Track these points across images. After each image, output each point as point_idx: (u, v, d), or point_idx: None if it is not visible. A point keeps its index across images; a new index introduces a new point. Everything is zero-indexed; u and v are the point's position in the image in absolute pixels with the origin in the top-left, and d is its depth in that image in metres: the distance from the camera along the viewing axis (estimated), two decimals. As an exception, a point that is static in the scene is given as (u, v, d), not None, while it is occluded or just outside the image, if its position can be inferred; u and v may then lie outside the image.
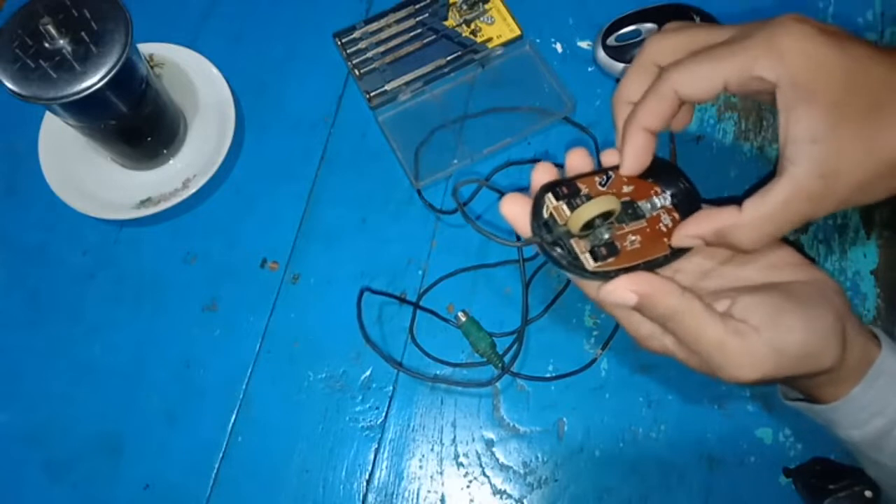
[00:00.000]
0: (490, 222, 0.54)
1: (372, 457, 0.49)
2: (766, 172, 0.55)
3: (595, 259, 0.32)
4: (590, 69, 0.59)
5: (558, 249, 0.33)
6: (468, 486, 0.49)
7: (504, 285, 0.53)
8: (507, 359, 0.50)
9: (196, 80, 0.58)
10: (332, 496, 0.48)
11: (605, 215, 0.32)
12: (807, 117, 0.29)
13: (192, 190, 0.54)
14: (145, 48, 0.58)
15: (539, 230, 0.33)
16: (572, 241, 0.33)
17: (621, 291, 0.32)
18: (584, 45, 0.60)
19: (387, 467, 0.49)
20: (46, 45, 0.45)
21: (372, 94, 0.57)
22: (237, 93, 0.58)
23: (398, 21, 0.60)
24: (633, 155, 0.34)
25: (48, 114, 0.56)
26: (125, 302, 0.53)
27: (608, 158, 0.35)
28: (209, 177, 0.54)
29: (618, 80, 0.36)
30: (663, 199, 0.35)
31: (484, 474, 0.49)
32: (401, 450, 0.49)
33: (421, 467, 0.49)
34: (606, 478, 0.48)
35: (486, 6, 0.60)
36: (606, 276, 0.33)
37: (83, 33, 0.45)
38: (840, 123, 0.29)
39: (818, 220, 0.37)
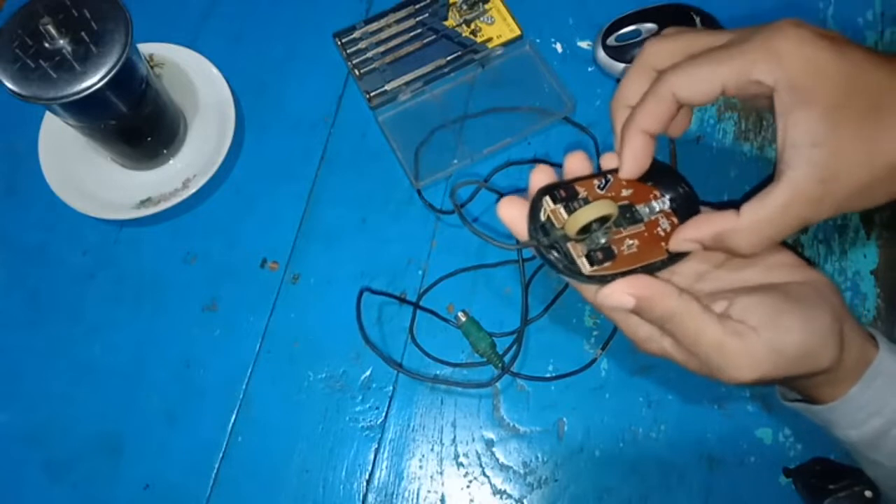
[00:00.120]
0: (489, 223, 0.54)
1: (372, 457, 0.49)
2: (766, 173, 0.55)
3: (591, 263, 0.32)
4: (590, 69, 0.59)
5: (555, 253, 0.33)
6: (468, 486, 0.49)
7: (504, 285, 0.53)
8: (506, 359, 0.50)
9: (196, 80, 0.58)
10: (332, 496, 0.48)
11: (603, 220, 0.32)
12: (805, 121, 0.29)
13: (192, 190, 0.54)
14: (145, 48, 0.58)
15: (536, 233, 0.33)
16: (569, 245, 0.33)
17: (619, 295, 0.32)
18: (584, 45, 0.60)
19: (387, 467, 0.49)
20: (46, 45, 0.45)
21: (372, 94, 0.57)
22: (237, 93, 0.58)
23: (398, 21, 0.60)
24: (631, 158, 0.34)
25: (48, 114, 0.56)
26: (125, 302, 0.53)
27: (607, 162, 0.35)
28: (209, 177, 0.54)
29: (618, 80, 0.36)
30: (662, 204, 0.35)
31: (484, 474, 0.49)
32: (401, 450, 0.49)
33: (421, 467, 0.49)
34: (606, 478, 0.48)
35: (486, 6, 0.60)
36: (603, 280, 0.33)
37: (83, 33, 0.45)
38: (838, 127, 0.29)
39: (816, 224, 0.37)
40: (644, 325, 0.34)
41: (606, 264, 0.32)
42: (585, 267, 0.32)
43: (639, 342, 0.35)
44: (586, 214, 0.32)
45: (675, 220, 0.35)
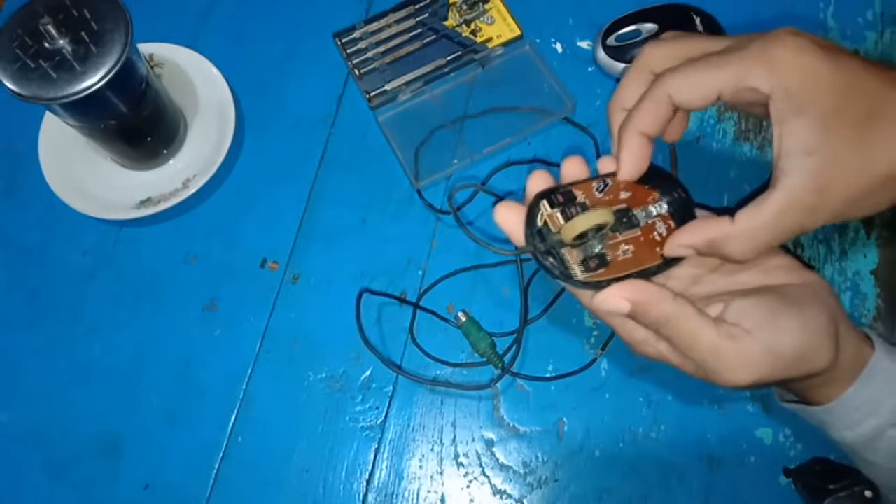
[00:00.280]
0: (488, 225, 0.54)
1: (372, 457, 0.49)
2: (766, 173, 0.55)
3: (585, 270, 0.32)
4: (590, 69, 0.59)
5: (551, 259, 0.33)
6: (468, 486, 0.49)
7: (504, 285, 0.53)
8: (506, 359, 0.50)
9: (196, 80, 0.58)
10: (332, 496, 0.48)
11: (599, 227, 0.32)
12: (800, 129, 0.29)
13: (192, 190, 0.54)
14: (145, 48, 0.58)
15: (532, 239, 0.33)
16: (564, 251, 0.33)
17: (614, 300, 0.32)
18: (584, 45, 0.60)
19: (387, 467, 0.49)
20: (46, 45, 0.45)
21: (372, 94, 0.57)
22: (237, 93, 0.58)
23: (398, 21, 0.60)
24: (629, 159, 0.34)
25: (48, 114, 0.56)
26: (125, 302, 0.53)
27: (605, 165, 0.35)
28: (209, 177, 0.54)
29: (618, 80, 0.36)
30: (660, 208, 0.35)
31: (484, 474, 0.49)
32: (401, 450, 0.49)
33: (421, 467, 0.49)
34: (606, 478, 0.48)
35: (486, 6, 0.60)
36: (598, 286, 0.33)
37: (83, 33, 0.45)
38: (833, 136, 0.29)
39: (810, 232, 0.37)
40: (640, 328, 0.34)
41: (600, 271, 0.33)
42: (578, 273, 0.33)
43: (635, 346, 0.35)
44: (583, 222, 0.32)
45: (671, 223, 0.35)
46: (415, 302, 0.52)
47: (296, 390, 0.51)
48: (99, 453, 0.50)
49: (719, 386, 0.32)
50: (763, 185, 0.31)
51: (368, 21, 0.60)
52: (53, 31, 0.45)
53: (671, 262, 0.34)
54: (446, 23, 0.60)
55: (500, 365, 0.49)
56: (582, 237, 0.32)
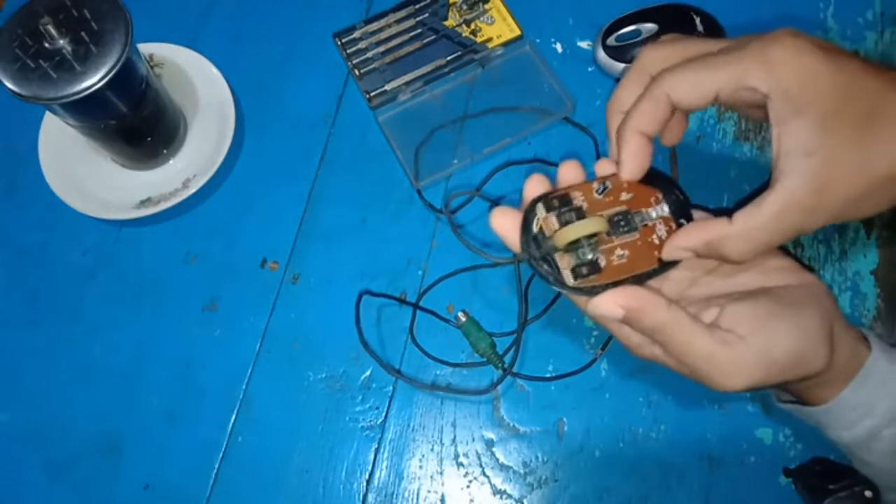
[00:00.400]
0: (486, 228, 0.54)
1: (372, 457, 0.49)
2: (766, 173, 0.55)
3: (575, 277, 0.32)
4: (590, 69, 0.59)
5: (545, 266, 0.33)
6: (468, 486, 0.49)
7: (504, 285, 0.53)
8: (506, 359, 0.50)
9: (196, 80, 0.58)
10: (332, 496, 0.48)
11: (592, 235, 0.32)
12: (800, 130, 0.29)
13: (192, 190, 0.54)
14: (145, 48, 0.58)
15: (528, 245, 0.33)
16: (557, 256, 0.33)
17: (607, 305, 0.32)
18: (584, 45, 0.60)
19: (387, 467, 0.49)
20: (46, 45, 0.45)
21: (372, 94, 0.57)
22: (237, 93, 0.58)
23: (398, 21, 0.60)
24: (630, 159, 0.34)
25: (48, 114, 0.56)
26: (125, 302, 0.53)
27: (603, 168, 0.35)
28: (209, 177, 0.54)
29: (618, 80, 0.36)
30: (661, 209, 0.35)
31: (484, 474, 0.49)
32: (401, 450, 0.49)
33: (421, 467, 0.49)
34: (606, 478, 0.48)
35: (486, 6, 0.60)
36: (593, 291, 0.33)
37: (83, 33, 0.45)
38: (832, 137, 0.29)
39: (809, 233, 0.37)
40: (636, 333, 0.34)
41: (592, 277, 0.33)
42: (570, 280, 0.33)
43: (631, 348, 0.35)
44: (574, 231, 0.32)
45: (672, 225, 0.35)
46: (415, 302, 0.52)
47: (296, 390, 0.51)
48: (99, 453, 0.50)
49: (714, 390, 0.32)
50: (762, 185, 0.31)
51: (368, 21, 0.60)
52: (53, 31, 0.45)
53: (666, 265, 0.34)
54: (446, 23, 0.60)
55: (500, 365, 0.49)
56: (575, 243, 0.32)
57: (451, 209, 0.54)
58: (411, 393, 0.50)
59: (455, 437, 0.49)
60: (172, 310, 0.53)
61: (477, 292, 0.53)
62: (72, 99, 0.44)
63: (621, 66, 0.56)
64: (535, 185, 0.34)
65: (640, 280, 0.34)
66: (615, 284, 0.33)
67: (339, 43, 0.59)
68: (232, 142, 0.55)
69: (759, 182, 0.53)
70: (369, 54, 0.59)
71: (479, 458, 0.49)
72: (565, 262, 0.33)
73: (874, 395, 0.36)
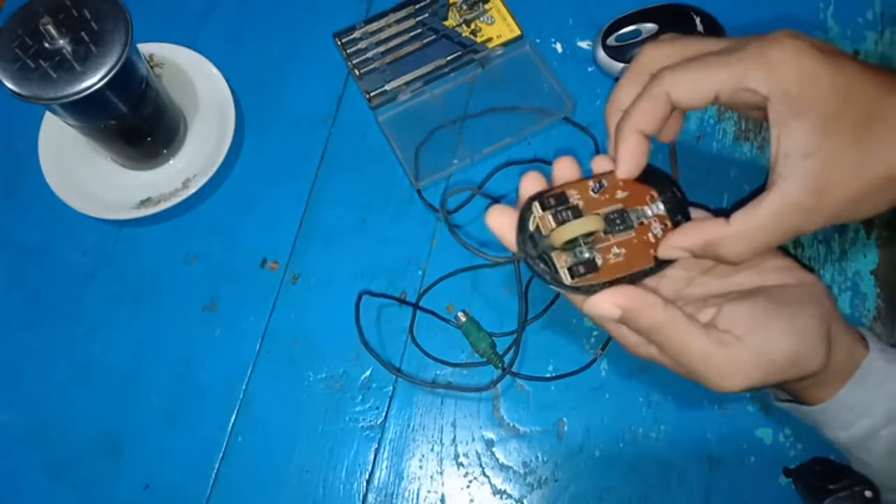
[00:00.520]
0: (486, 228, 0.54)
1: (372, 457, 0.49)
2: (765, 173, 0.55)
3: (572, 276, 0.32)
4: (590, 69, 0.59)
5: (542, 265, 0.33)
6: (468, 486, 0.49)
7: (504, 285, 0.53)
8: (506, 359, 0.50)
9: (196, 80, 0.58)
10: (332, 496, 0.48)
11: (588, 233, 0.32)
12: (798, 132, 0.29)
13: (192, 190, 0.54)
14: (145, 48, 0.58)
15: (524, 244, 0.33)
16: (553, 255, 0.33)
17: (604, 305, 0.32)
18: (584, 45, 0.60)
19: (387, 467, 0.49)
20: (46, 45, 0.45)
21: (372, 94, 0.57)
22: (237, 93, 0.58)
23: (398, 21, 0.60)
24: (627, 156, 0.34)
25: (48, 114, 0.56)
26: (125, 302, 0.53)
27: (600, 165, 0.35)
28: (209, 177, 0.54)
29: (617, 80, 0.36)
30: (656, 208, 0.35)
31: (484, 474, 0.49)
32: (401, 450, 0.49)
33: (421, 467, 0.49)
34: (606, 478, 0.48)
35: (486, 6, 0.60)
36: (590, 290, 0.33)
37: (83, 33, 0.45)
38: (831, 139, 0.29)
39: (807, 234, 0.37)
40: (633, 332, 0.34)
41: (589, 276, 0.32)
42: (567, 279, 0.32)
43: (628, 347, 0.35)
44: (571, 230, 0.32)
45: (668, 223, 0.35)
46: (415, 302, 0.52)
47: (296, 390, 0.51)
48: (99, 453, 0.50)
49: (711, 390, 0.32)
50: (760, 186, 0.31)
51: (368, 21, 0.60)
52: (53, 31, 0.45)
53: (663, 263, 0.34)
54: (446, 23, 0.60)
55: (500, 365, 0.49)
56: (572, 242, 0.32)
57: (450, 208, 0.54)
58: (411, 393, 0.50)
59: (455, 437, 0.49)
60: (172, 310, 0.53)
61: (477, 292, 0.53)
62: (72, 99, 0.44)
63: (621, 66, 0.56)
64: (531, 184, 0.34)
65: (636, 278, 0.34)
66: (612, 283, 0.33)
67: (339, 43, 0.59)
68: (232, 142, 0.55)
69: (759, 182, 0.53)
70: (369, 54, 0.59)
71: (479, 458, 0.49)
72: (562, 261, 0.33)
73: (872, 395, 0.36)
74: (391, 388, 0.51)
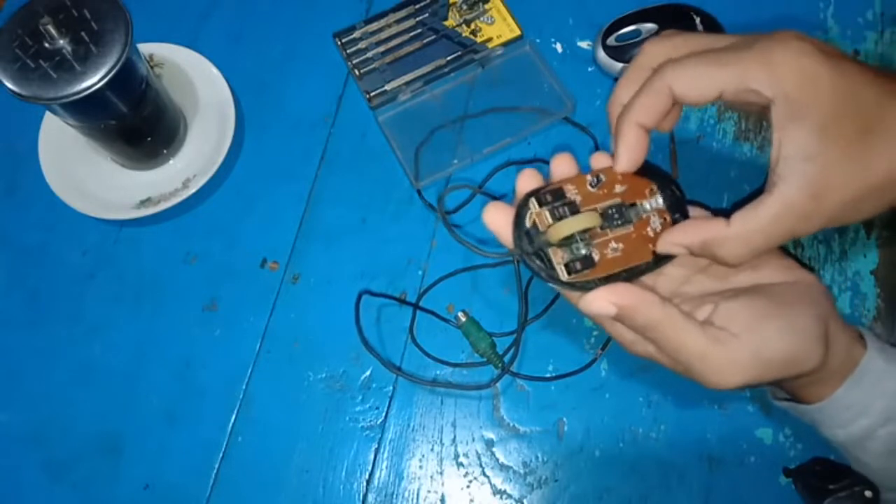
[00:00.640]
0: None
1: (372, 457, 0.49)
2: (765, 174, 0.55)
3: (569, 272, 0.32)
4: (590, 69, 0.59)
5: (538, 261, 0.33)
6: (468, 486, 0.49)
7: (504, 285, 0.53)
8: (506, 359, 0.50)
9: (196, 80, 0.58)
10: (332, 496, 0.48)
11: (585, 230, 0.32)
12: (799, 135, 0.29)
13: (192, 190, 0.54)
14: (145, 48, 0.58)
15: (520, 240, 0.33)
16: (550, 251, 0.33)
17: (600, 302, 0.32)
18: (584, 45, 0.60)
19: (387, 467, 0.49)
20: (46, 45, 0.45)
21: (372, 94, 0.57)
22: (237, 93, 0.58)
23: (398, 21, 0.60)
24: (626, 150, 0.33)
25: (48, 114, 0.56)
26: (125, 302, 0.53)
27: (598, 161, 0.35)
28: (209, 177, 0.54)
29: (617, 80, 0.36)
30: (656, 202, 0.35)
31: (484, 474, 0.49)
32: (401, 450, 0.49)
33: (421, 467, 0.49)
34: (606, 478, 0.48)
35: (486, 6, 0.60)
36: (586, 287, 0.32)
37: (83, 33, 0.45)
38: (831, 143, 0.29)
39: (806, 235, 0.37)
40: (629, 330, 0.34)
41: (585, 272, 0.32)
42: (563, 275, 0.32)
43: (625, 345, 0.35)
44: (568, 226, 0.32)
45: (667, 217, 0.35)
46: (415, 302, 0.52)
47: (296, 390, 0.51)
48: (99, 453, 0.50)
49: (708, 388, 0.32)
50: (760, 187, 0.31)
51: (368, 21, 0.60)
52: (53, 31, 0.45)
53: (661, 260, 0.34)
54: (446, 23, 0.60)
55: (500, 365, 0.49)
56: (568, 239, 0.32)
57: (450, 208, 0.54)
58: (411, 393, 0.50)
59: (455, 437, 0.49)
60: (172, 310, 0.53)
61: (477, 292, 0.53)
62: (72, 99, 0.44)
63: (621, 66, 0.56)
64: (528, 180, 0.34)
65: (633, 274, 0.34)
66: (609, 278, 0.33)
67: (339, 43, 0.59)
68: (232, 142, 0.55)
69: (759, 182, 0.53)
70: (369, 54, 0.59)
71: (479, 458, 0.49)
72: (558, 258, 0.33)
73: (869, 394, 0.36)
74: (391, 388, 0.51)
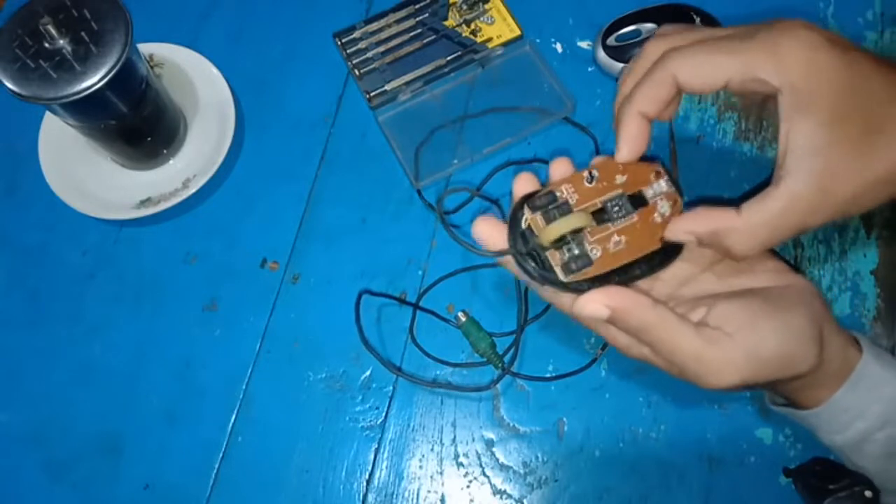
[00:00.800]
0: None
1: (372, 457, 0.49)
2: (766, 173, 0.55)
3: (567, 273, 0.32)
4: (590, 69, 0.59)
5: (530, 262, 0.32)
6: (468, 486, 0.49)
7: (504, 285, 0.53)
8: (506, 359, 0.50)
9: (196, 80, 0.58)
10: (332, 496, 0.48)
11: (577, 230, 0.32)
12: (807, 128, 0.29)
13: (192, 190, 0.54)
14: (145, 48, 0.58)
15: (514, 242, 0.33)
16: (548, 255, 0.32)
17: (593, 305, 0.32)
18: (584, 45, 0.60)
19: (387, 467, 0.49)
20: (46, 45, 0.45)
21: (372, 94, 0.57)
22: (237, 93, 0.58)
23: (398, 21, 0.60)
24: (627, 140, 0.33)
25: (48, 114, 0.56)
26: (125, 302, 0.53)
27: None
28: (209, 177, 0.54)
29: (618, 80, 0.36)
30: (661, 185, 0.34)
31: (484, 474, 0.49)
32: (401, 450, 0.49)
33: (421, 467, 0.49)
34: (606, 478, 0.48)
35: (486, 6, 0.60)
36: (580, 290, 0.32)
37: (83, 33, 0.45)
38: (838, 136, 0.29)
39: (813, 229, 0.37)
40: (623, 333, 0.34)
41: (586, 270, 0.32)
42: (562, 276, 0.32)
43: (621, 348, 0.35)
44: (557, 228, 0.31)
45: (677, 200, 0.34)
46: (415, 302, 0.52)
47: (296, 390, 0.51)
48: (99, 453, 0.50)
49: (702, 388, 0.32)
50: (768, 178, 0.31)
51: (368, 21, 0.60)
52: (53, 31, 0.45)
53: (664, 259, 0.34)
54: (446, 23, 0.60)
55: (500, 365, 0.49)
56: (561, 240, 0.32)
57: (450, 208, 0.54)
58: (411, 393, 0.50)
59: (455, 437, 0.49)
60: (172, 310, 0.53)
61: (477, 292, 0.53)
62: (72, 99, 0.44)
63: (621, 66, 0.56)
64: (524, 184, 0.34)
65: (633, 278, 0.33)
66: (607, 277, 0.33)
67: (339, 43, 0.59)
68: (232, 142, 0.55)
69: (759, 182, 0.53)
70: (369, 54, 0.59)
71: (479, 458, 0.49)
72: (556, 259, 0.32)
73: (866, 398, 0.36)
74: (391, 388, 0.51)
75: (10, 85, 0.44)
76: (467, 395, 0.50)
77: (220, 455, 0.49)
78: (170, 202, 0.54)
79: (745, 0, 0.58)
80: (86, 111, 0.48)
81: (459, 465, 0.49)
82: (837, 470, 0.44)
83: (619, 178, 0.34)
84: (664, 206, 0.34)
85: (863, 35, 0.59)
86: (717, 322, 0.32)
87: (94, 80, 0.45)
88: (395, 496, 0.48)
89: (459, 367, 0.51)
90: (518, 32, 0.59)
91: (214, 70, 0.58)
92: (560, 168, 0.34)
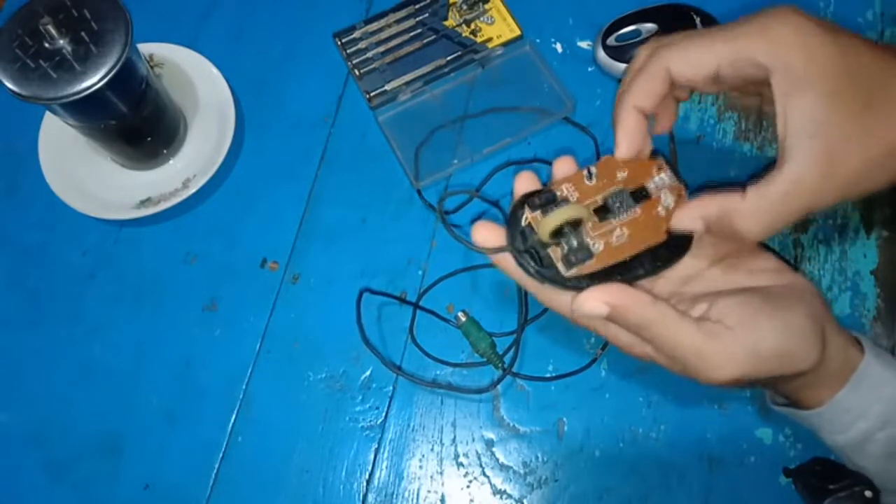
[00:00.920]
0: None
1: (372, 457, 0.49)
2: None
3: (568, 267, 0.32)
4: (590, 69, 0.59)
5: (529, 259, 0.33)
6: (468, 486, 0.49)
7: (504, 285, 0.53)
8: (506, 359, 0.50)
9: (196, 80, 0.58)
10: (332, 496, 0.48)
11: (574, 223, 0.32)
12: (803, 109, 0.29)
13: (192, 190, 0.54)
14: (145, 48, 0.58)
15: (513, 239, 0.33)
16: (550, 251, 0.33)
17: (592, 303, 0.32)
18: (584, 45, 0.60)
19: (387, 467, 0.49)
20: (46, 45, 0.45)
21: (372, 94, 0.57)
22: (237, 93, 0.58)
23: (398, 21, 0.60)
24: (625, 135, 0.33)
25: (48, 114, 0.56)
26: (125, 302, 0.53)
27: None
28: (209, 177, 0.54)
29: (618, 81, 0.36)
30: (663, 179, 0.34)
31: (484, 474, 0.49)
32: (401, 450, 0.49)
33: (421, 467, 0.49)
34: (606, 478, 0.48)
35: (486, 6, 0.60)
36: (579, 288, 0.32)
37: (83, 33, 0.45)
38: (836, 115, 0.29)
39: (818, 212, 0.37)
40: (624, 332, 0.34)
41: (588, 262, 0.32)
42: (563, 270, 0.32)
43: (623, 347, 0.35)
44: (553, 219, 0.31)
45: (682, 192, 0.34)
46: (415, 302, 0.52)
47: (296, 390, 0.51)
48: (99, 453, 0.50)
49: (703, 384, 0.32)
50: (773, 160, 0.30)
51: (368, 21, 0.60)
52: (53, 31, 0.45)
53: (672, 251, 0.34)
54: (446, 23, 0.60)
55: (500, 365, 0.49)
56: (559, 234, 0.32)
57: (450, 208, 0.54)
58: (411, 393, 0.50)
59: (455, 437, 0.49)
60: (172, 310, 0.53)
61: (477, 292, 0.53)
62: (72, 99, 0.44)
63: (621, 66, 0.56)
64: (525, 182, 0.34)
65: (635, 277, 0.33)
66: (609, 276, 0.33)
67: (339, 43, 0.59)
68: (232, 142, 0.55)
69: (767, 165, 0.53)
70: (369, 54, 0.59)
71: (479, 458, 0.49)
72: (557, 255, 0.32)
73: (867, 398, 0.36)
74: (391, 388, 0.51)
75: (10, 85, 0.44)
76: (467, 396, 0.50)
77: (220, 455, 0.49)
78: (170, 202, 0.54)
79: (744, 0, 0.58)
80: (86, 111, 0.48)
81: (459, 465, 0.49)
82: (837, 470, 0.44)
83: (621, 175, 0.34)
84: (668, 199, 0.34)
85: (863, 35, 0.59)
86: (718, 316, 0.32)
87: (94, 80, 0.45)
88: (395, 496, 0.48)
89: (459, 367, 0.51)
90: (518, 32, 0.59)
91: (214, 70, 0.58)
92: (564, 166, 0.35)
